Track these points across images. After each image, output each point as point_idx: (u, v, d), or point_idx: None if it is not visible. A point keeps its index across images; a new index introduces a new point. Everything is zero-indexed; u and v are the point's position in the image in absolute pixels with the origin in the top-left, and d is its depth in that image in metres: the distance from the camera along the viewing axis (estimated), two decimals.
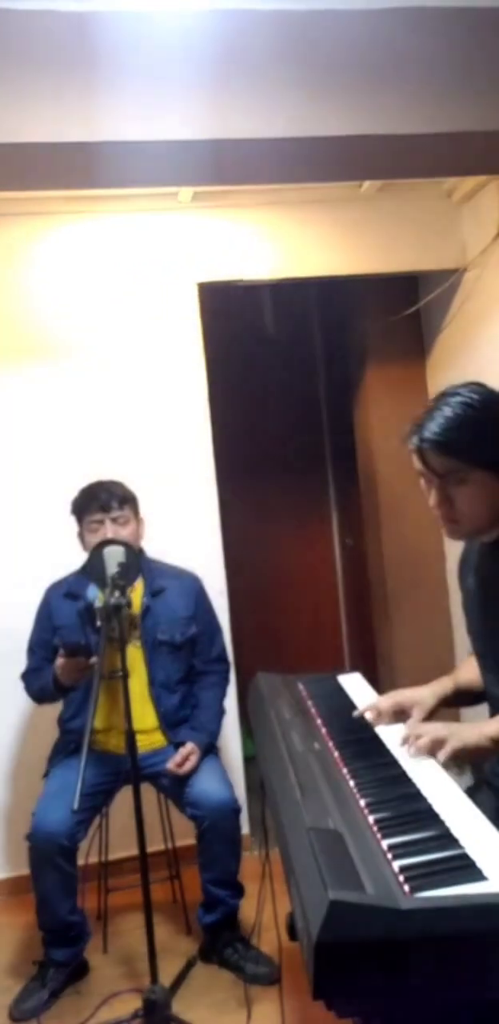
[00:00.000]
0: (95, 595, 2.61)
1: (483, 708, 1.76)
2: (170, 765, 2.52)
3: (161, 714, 2.63)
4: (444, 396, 1.57)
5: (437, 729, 1.54)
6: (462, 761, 1.55)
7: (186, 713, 2.69)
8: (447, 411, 1.53)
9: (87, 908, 2.51)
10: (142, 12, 2.15)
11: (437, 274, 3.58)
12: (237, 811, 2.51)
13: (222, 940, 2.53)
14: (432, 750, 1.51)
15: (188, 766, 2.52)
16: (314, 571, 4.83)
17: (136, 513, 2.68)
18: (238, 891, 2.55)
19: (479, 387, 1.57)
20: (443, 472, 1.54)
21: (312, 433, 4.83)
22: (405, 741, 1.56)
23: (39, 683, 2.63)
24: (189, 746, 2.54)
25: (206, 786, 2.49)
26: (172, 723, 2.64)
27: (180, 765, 2.51)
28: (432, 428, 1.53)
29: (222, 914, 2.52)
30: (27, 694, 2.71)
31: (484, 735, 1.52)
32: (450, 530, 1.63)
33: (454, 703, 1.83)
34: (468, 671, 1.85)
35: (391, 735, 1.63)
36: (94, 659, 2.39)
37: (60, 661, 2.45)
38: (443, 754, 1.49)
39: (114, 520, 2.59)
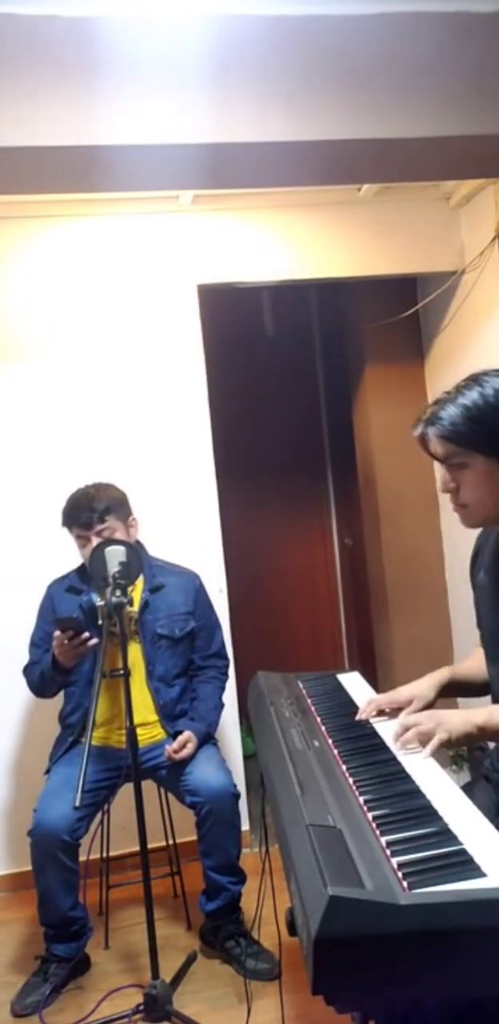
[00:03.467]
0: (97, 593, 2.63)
1: (485, 700, 1.77)
2: (168, 750, 2.54)
3: (160, 706, 2.65)
4: (458, 385, 1.57)
5: (424, 721, 1.55)
6: (451, 747, 1.56)
7: (185, 707, 2.71)
8: (451, 398, 1.54)
9: (88, 903, 2.52)
10: (142, 17, 2.16)
11: (435, 276, 3.59)
12: (236, 796, 2.52)
13: (225, 931, 2.54)
14: (419, 742, 1.53)
15: (185, 753, 2.53)
16: (314, 571, 4.84)
17: (124, 516, 2.66)
18: (240, 877, 2.56)
19: (492, 375, 1.54)
20: (443, 457, 1.55)
21: (311, 433, 4.84)
22: (396, 739, 1.57)
23: (40, 669, 2.63)
24: (187, 734, 2.57)
25: (204, 772, 2.51)
26: (171, 716, 2.66)
27: (177, 752, 2.53)
28: (432, 413, 1.54)
29: (224, 900, 2.53)
30: (28, 687, 2.72)
31: (471, 723, 1.52)
32: (461, 516, 1.62)
33: (453, 693, 1.83)
34: (470, 663, 1.87)
35: (390, 732, 1.65)
36: (87, 635, 2.41)
37: (55, 640, 2.45)
38: (429, 748, 1.50)
39: (98, 533, 2.57)
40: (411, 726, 1.55)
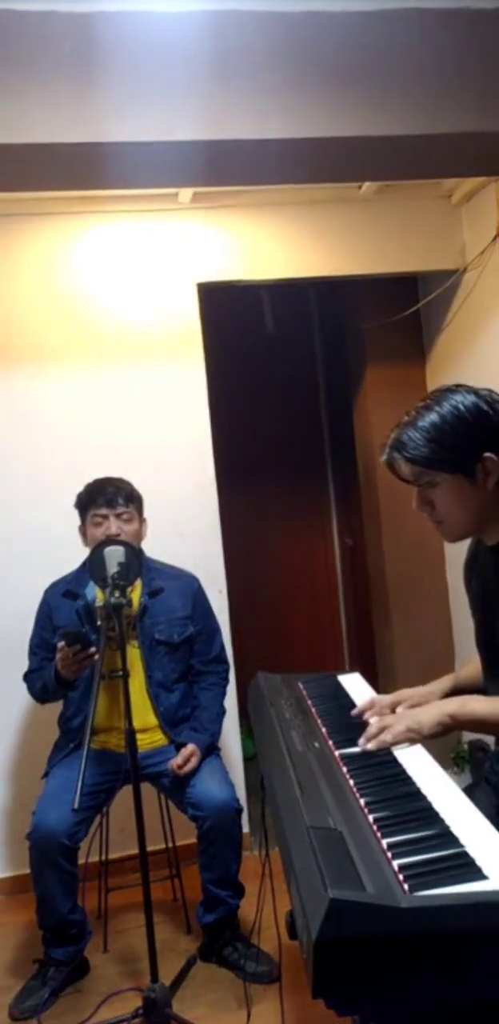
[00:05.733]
0: (94, 594, 2.62)
1: None
2: (172, 765, 2.52)
3: (160, 713, 2.64)
4: (418, 406, 1.61)
5: (397, 718, 1.59)
6: (424, 739, 1.57)
7: (185, 712, 2.70)
8: (412, 420, 1.58)
9: (87, 907, 2.51)
10: (141, 13, 2.15)
11: (437, 275, 3.58)
12: (239, 811, 2.51)
13: (222, 940, 2.54)
14: (387, 737, 1.55)
15: (189, 767, 2.52)
16: (314, 571, 4.84)
17: (140, 513, 2.69)
18: (238, 891, 2.55)
19: (451, 392, 1.58)
20: (412, 478, 1.60)
21: (312, 433, 4.83)
22: (368, 738, 1.57)
23: (41, 681, 2.63)
24: (190, 747, 2.55)
25: (208, 787, 2.49)
26: (172, 721, 2.65)
27: (181, 767, 2.51)
28: (395, 438, 1.59)
29: (222, 914, 2.52)
30: (30, 695, 2.71)
31: (444, 712, 1.56)
32: (440, 532, 1.68)
33: None
34: (471, 669, 1.87)
35: None
36: (93, 649, 2.40)
37: (60, 653, 2.44)
38: (391, 734, 1.53)
39: (118, 516, 2.60)
40: (387, 725, 1.57)
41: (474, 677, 1.85)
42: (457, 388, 1.59)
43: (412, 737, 1.54)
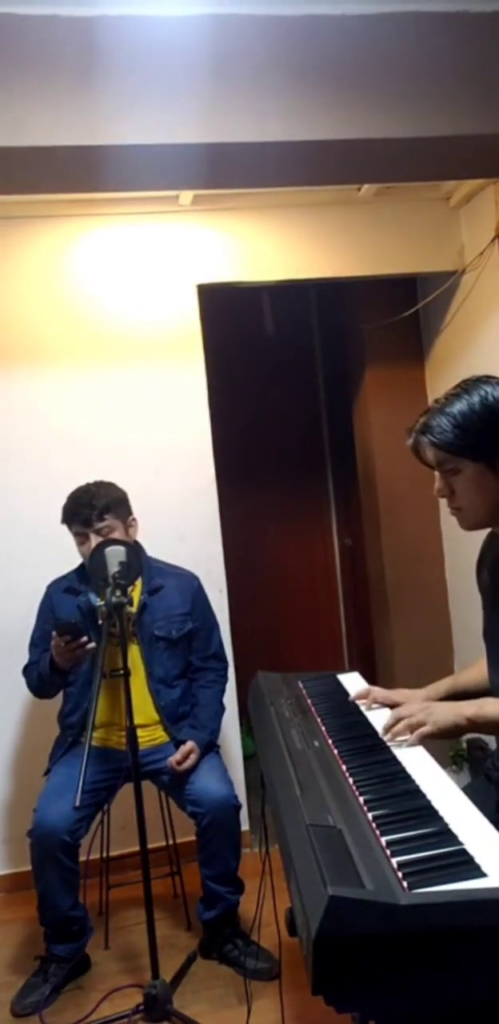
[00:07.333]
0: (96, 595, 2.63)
1: None
2: (170, 762, 2.53)
3: (162, 708, 2.65)
4: (447, 393, 1.63)
5: (415, 712, 1.60)
6: (440, 738, 1.59)
7: (186, 708, 2.71)
8: (440, 407, 1.60)
9: (88, 904, 2.52)
10: (142, 17, 2.16)
11: (435, 276, 3.59)
12: (237, 808, 2.52)
13: (222, 936, 2.55)
14: (409, 731, 1.58)
15: (188, 764, 2.53)
16: (314, 571, 4.84)
17: (124, 515, 2.64)
18: (237, 887, 2.56)
19: (482, 382, 1.60)
20: (436, 463, 1.62)
21: (312, 433, 4.83)
22: (387, 730, 1.60)
23: (37, 670, 2.64)
24: (189, 744, 2.56)
25: (206, 783, 2.50)
26: (173, 717, 2.66)
27: (180, 763, 2.52)
28: (422, 423, 1.61)
29: (222, 910, 2.53)
30: (28, 687, 2.72)
31: (461, 715, 1.58)
32: (457, 519, 1.69)
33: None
34: (472, 672, 1.88)
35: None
36: (85, 639, 2.42)
37: (53, 642, 2.45)
38: (415, 736, 1.55)
39: (98, 532, 2.56)
40: (403, 717, 1.60)
41: (474, 679, 1.86)
42: (489, 378, 1.61)
43: (431, 738, 1.57)
